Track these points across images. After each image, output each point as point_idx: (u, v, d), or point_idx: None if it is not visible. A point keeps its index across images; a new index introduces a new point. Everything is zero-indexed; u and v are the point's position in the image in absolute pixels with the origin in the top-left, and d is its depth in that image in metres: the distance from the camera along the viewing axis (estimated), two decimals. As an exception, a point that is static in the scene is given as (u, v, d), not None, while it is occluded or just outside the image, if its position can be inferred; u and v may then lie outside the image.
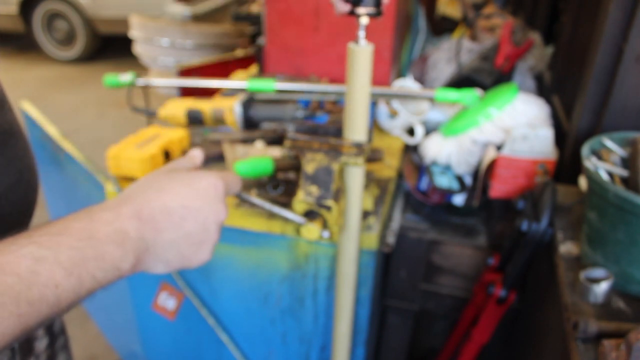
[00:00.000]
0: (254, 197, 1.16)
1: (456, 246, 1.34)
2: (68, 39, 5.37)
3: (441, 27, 2.52)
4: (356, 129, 0.91)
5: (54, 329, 0.80)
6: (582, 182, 1.11)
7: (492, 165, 1.28)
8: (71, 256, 0.43)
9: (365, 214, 1.15)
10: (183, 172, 0.58)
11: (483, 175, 1.32)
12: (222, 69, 2.15)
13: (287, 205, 1.09)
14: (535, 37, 1.88)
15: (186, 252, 0.54)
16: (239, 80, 1.50)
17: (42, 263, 0.41)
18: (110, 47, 5.57)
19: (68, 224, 0.46)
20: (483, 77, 1.59)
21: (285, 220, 1.11)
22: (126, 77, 1.50)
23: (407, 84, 1.56)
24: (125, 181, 1.25)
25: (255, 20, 3.44)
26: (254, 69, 2.01)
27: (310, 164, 0.91)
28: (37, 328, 0.42)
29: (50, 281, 0.41)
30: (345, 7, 0.83)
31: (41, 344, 0.76)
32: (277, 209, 1.00)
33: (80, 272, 0.44)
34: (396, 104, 1.51)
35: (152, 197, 0.53)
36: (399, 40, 1.73)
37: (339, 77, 1.65)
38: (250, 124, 1.41)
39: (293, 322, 1.30)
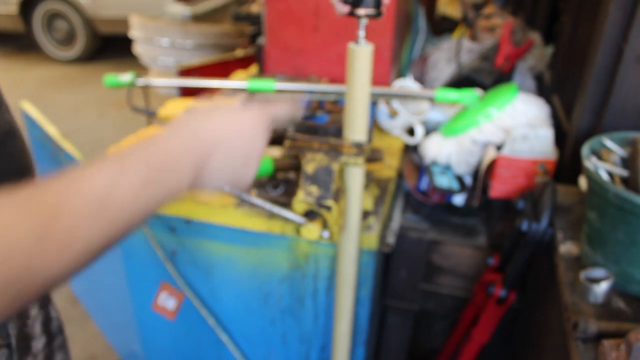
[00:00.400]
0: (254, 197, 1.16)
1: (456, 246, 1.34)
2: (68, 39, 5.37)
3: (441, 27, 2.52)
4: (356, 129, 0.91)
5: (51, 329, 0.80)
6: (582, 182, 1.11)
7: (492, 165, 1.28)
8: (145, 174, 0.49)
9: (365, 214, 1.15)
10: (229, 106, 0.64)
11: (483, 175, 1.32)
12: (222, 69, 2.15)
13: (287, 205, 1.09)
14: (535, 37, 1.88)
15: (232, 175, 0.61)
16: (239, 80, 1.50)
17: (123, 178, 0.47)
18: (110, 47, 5.57)
19: (138, 147, 0.52)
20: (483, 77, 1.59)
21: (285, 220, 1.11)
22: (126, 77, 1.50)
23: (407, 84, 1.56)
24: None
25: (255, 20, 3.44)
26: (254, 69, 2.01)
27: (310, 164, 0.91)
28: (118, 240, 0.48)
29: (129, 195, 0.47)
30: (345, 8, 0.83)
31: (39, 343, 0.76)
32: (277, 209, 0.99)
33: (152, 187, 0.50)
34: (396, 104, 1.51)
35: (206, 125, 0.59)
36: (399, 40, 1.73)
37: (339, 77, 1.65)
38: (250, 124, 1.40)
39: (293, 322, 1.30)
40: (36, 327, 0.75)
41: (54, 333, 0.81)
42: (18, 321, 0.72)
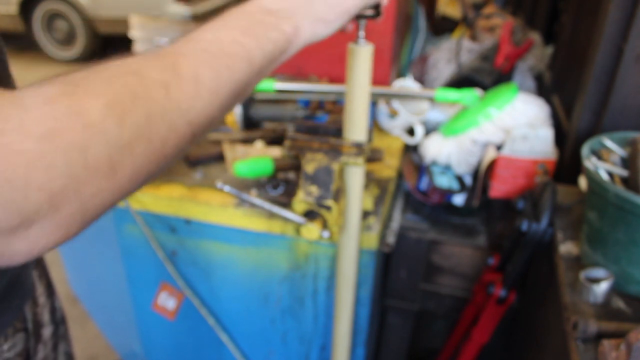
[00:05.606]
0: (254, 197, 1.16)
1: (456, 246, 1.34)
2: (68, 39, 5.36)
3: (441, 27, 2.52)
4: (356, 129, 0.91)
5: (56, 318, 0.81)
6: (582, 182, 1.11)
7: (492, 165, 1.28)
8: (245, 24, 0.53)
9: (365, 214, 1.15)
10: None
11: (483, 175, 1.32)
12: (222, 69, 2.14)
13: (287, 205, 1.09)
14: (535, 37, 1.88)
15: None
16: (239, 80, 1.50)
17: (226, 25, 0.51)
18: (110, 47, 5.57)
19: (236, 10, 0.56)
20: (483, 77, 1.59)
21: (285, 220, 1.11)
22: (126, 77, 1.50)
23: (407, 84, 1.56)
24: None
25: (255, 20, 3.43)
26: (254, 69, 2.00)
27: (310, 164, 0.91)
28: (244, 91, 0.51)
29: (236, 44, 0.50)
30: None
31: (47, 331, 0.77)
32: (277, 209, 1.00)
33: (253, 35, 0.53)
34: (396, 104, 1.51)
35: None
36: (399, 40, 1.73)
37: (339, 77, 1.65)
38: (250, 124, 1.41)
39: (293, 322, 1.30)
40: (45, 315, 0.77)
41: (58, 322, 0.82)
42: (33, 307, 0.73)
